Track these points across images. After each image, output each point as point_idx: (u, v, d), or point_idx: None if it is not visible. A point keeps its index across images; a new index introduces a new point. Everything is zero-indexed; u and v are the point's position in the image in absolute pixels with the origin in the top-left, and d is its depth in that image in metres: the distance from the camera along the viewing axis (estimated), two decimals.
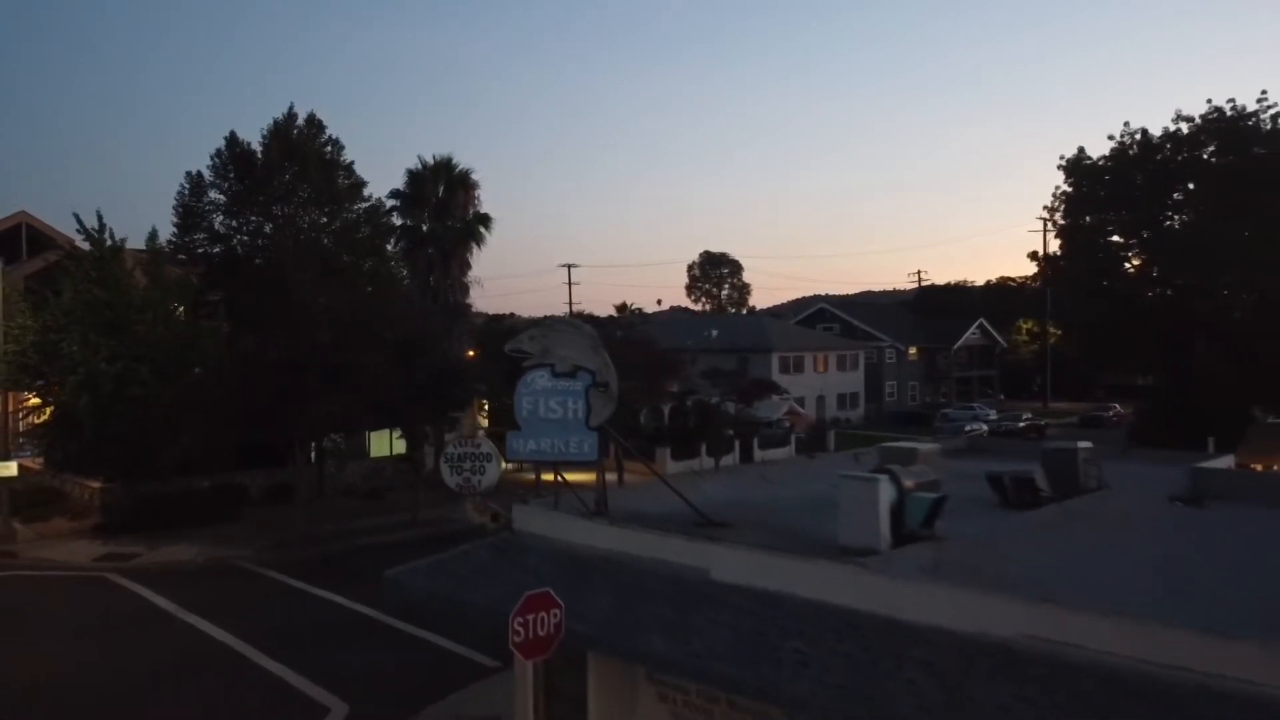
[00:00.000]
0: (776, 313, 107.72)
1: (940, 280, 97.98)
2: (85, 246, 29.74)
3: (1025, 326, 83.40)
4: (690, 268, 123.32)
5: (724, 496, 14.05)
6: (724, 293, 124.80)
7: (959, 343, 75.22)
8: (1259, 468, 21.26)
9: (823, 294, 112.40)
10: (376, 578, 12.64)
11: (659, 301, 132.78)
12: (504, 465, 22.20)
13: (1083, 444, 14.80)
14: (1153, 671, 7.29)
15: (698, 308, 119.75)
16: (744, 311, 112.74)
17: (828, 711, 8.20)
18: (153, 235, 31.94)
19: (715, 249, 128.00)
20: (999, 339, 76.49)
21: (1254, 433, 26.59)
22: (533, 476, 19.00)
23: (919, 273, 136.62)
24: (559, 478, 13.25)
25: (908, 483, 10.67)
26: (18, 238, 52.93)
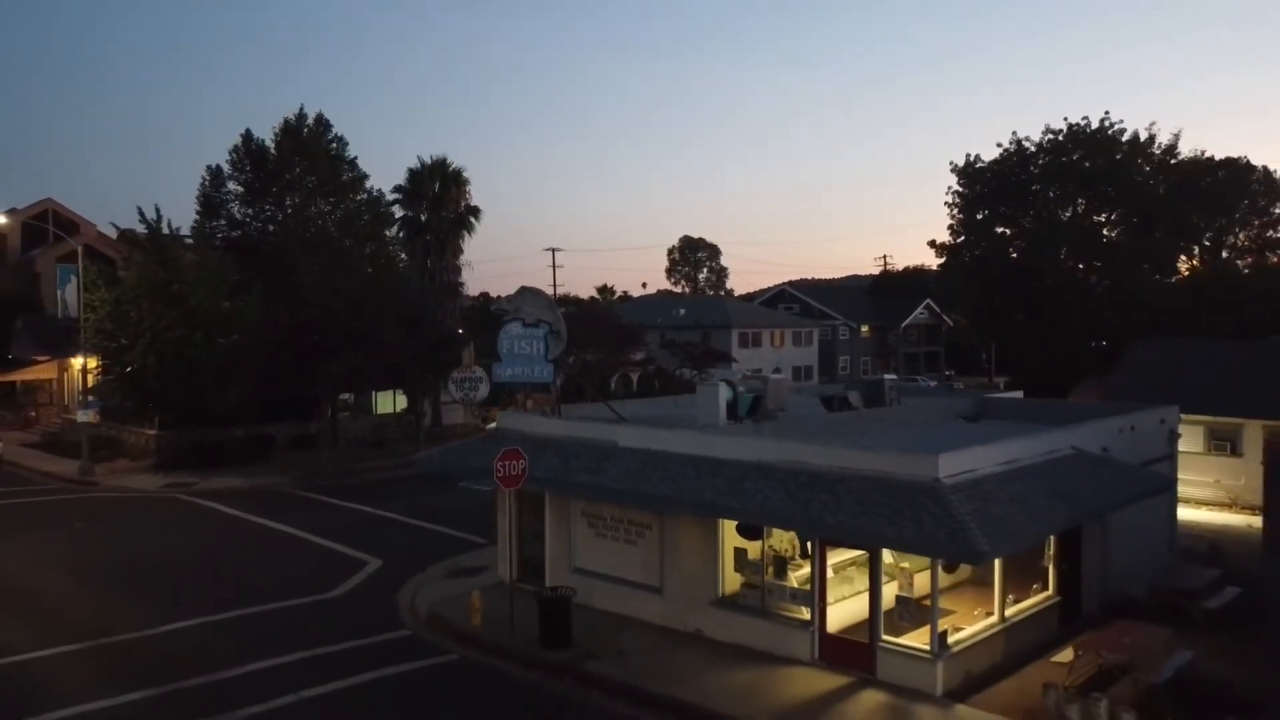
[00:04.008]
0: (754, 297, 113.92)
1: (904, 265, 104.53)
2: (115, 234, 35.55)
3: None
4: (670, 252, 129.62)
5: (645, 413, 20.53)
6: (702, 276, 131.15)
7: (906, 321, 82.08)
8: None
9: (807, 278, 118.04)
10: (392, 497, 18.83)
11: (644, 285, 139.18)
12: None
13: (888, 376, 21.36)
14: (830, 469, 13.86)
15: (680, 290, 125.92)
16: (720, 294, 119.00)
17: (670, 503, 14.80)
18: (198, 225, 38.02)
19: (701, 236, 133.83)
20: (945, 318, 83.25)
21: (1082, 386, 33.70)
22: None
23: (884, 257, 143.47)
24: (528, 394, 19.76)
25: (741, 388, 17.20)
26: (45, 223, 59.13)
